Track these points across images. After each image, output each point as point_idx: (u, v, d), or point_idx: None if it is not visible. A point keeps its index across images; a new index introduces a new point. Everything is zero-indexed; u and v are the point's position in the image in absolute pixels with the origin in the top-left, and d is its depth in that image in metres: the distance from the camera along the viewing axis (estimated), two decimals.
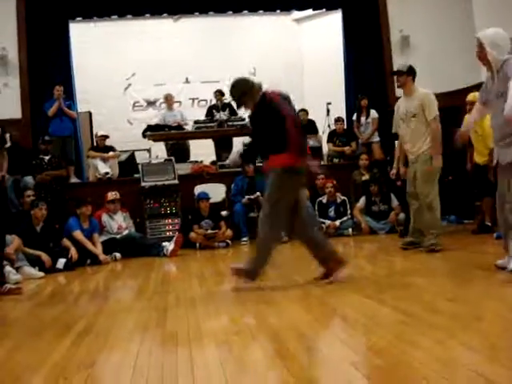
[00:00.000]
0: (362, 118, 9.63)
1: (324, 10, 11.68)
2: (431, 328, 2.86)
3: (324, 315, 3.47)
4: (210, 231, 7.95)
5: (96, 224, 7.49)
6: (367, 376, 2.24)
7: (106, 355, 2.79)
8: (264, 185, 8.43)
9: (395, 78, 6.14)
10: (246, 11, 11.34)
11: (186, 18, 12.08)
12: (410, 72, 5.91)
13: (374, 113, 9.60)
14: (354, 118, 9.78)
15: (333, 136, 9.91)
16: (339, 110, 10.48)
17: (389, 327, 2.94)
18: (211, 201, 8.21)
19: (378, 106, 10.01)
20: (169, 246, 7.36)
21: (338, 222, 8.32)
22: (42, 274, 6.22)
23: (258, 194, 8.44)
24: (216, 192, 8.71)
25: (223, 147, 9.87)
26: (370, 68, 10.54)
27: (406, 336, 2.77)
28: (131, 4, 10.34)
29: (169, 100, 10.62)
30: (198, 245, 7.89)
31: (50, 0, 9.88)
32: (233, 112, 10.04)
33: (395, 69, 6.45)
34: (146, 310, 3.91)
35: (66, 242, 6.92)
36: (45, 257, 6.47)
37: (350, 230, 8.29)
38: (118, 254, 7.38)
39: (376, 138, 9.60)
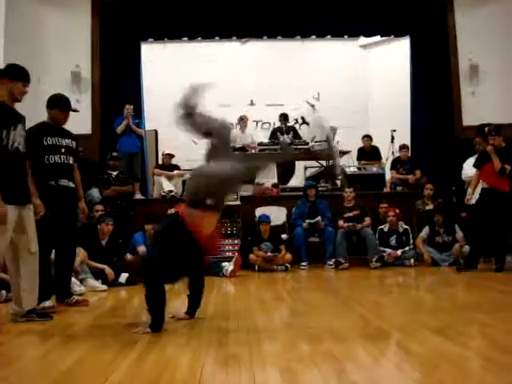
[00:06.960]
0: None
1: (392, 36, 11.63)
2: (501, 368, 2.73)
3: (386, 347, 3.41)
4: (269, 254, 7.97)
5: None
6: None
7: (171, 375, 2.81)
8: (326, 210, 8.49)
9: None
10: (314, 36, 11.38)
11: (254, 41, 12.23)
12: None
13: None
14: None
15: (397, 163, 9.78)
16: (404, 137, 10.36)
17: (455, 364, 2.84)
18: (272, 223, 8.24)
19: (445, 136, 9.88)
20: (228, 267, 7.41)
21: (399, 252, 8.17)
22: (104, 287, 6.37)
23: (319, 218, 8.42)
24: (277, 215, 8.73)
25: (286, 170, 9.91)
26: (437, 96, 10.41)
27: (474, 375, 2.69)
28: (202, 27, 10.59)
29: (244, 121, 10.68)
30: (256, 267, 7.91)
31: (123, 20, 10.28)
32: (296, 135, 10.11)
33: None
34: (207, 329, 3.92)
35: (129, 257, 7.06)
36: (108, 270, 6.62)
37: (412, 260, 8.12)
38: None
39: None
